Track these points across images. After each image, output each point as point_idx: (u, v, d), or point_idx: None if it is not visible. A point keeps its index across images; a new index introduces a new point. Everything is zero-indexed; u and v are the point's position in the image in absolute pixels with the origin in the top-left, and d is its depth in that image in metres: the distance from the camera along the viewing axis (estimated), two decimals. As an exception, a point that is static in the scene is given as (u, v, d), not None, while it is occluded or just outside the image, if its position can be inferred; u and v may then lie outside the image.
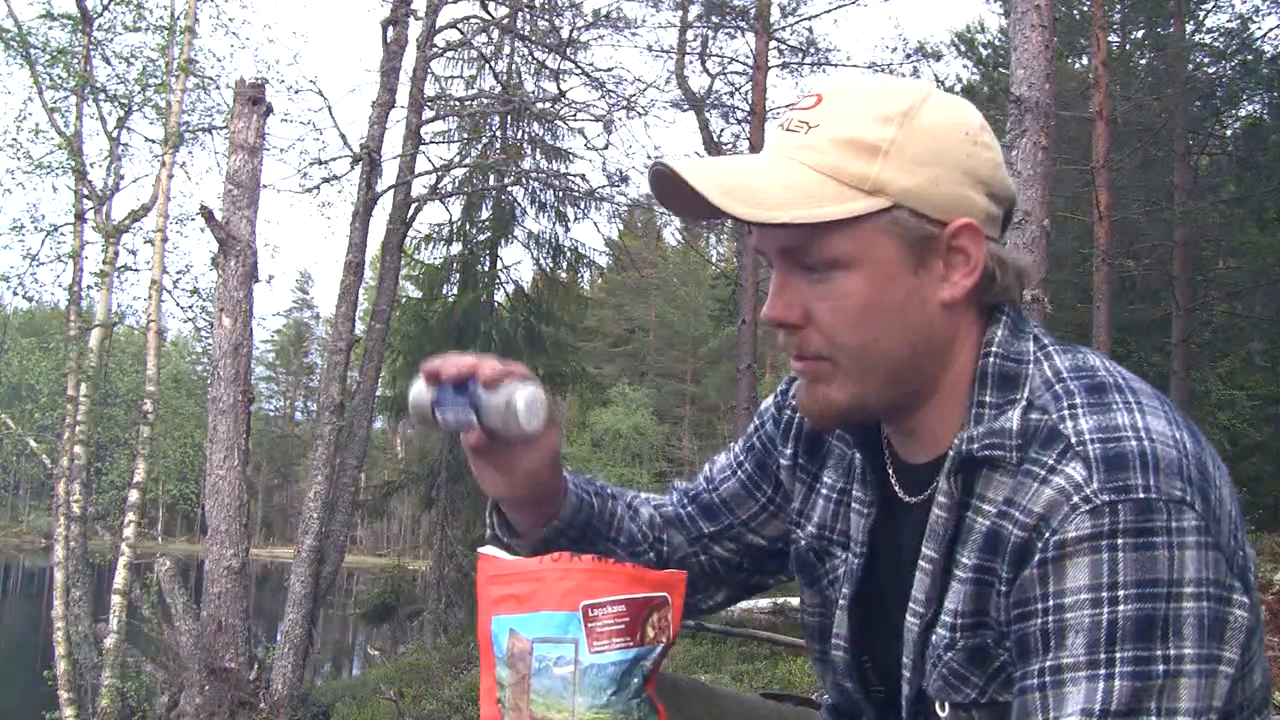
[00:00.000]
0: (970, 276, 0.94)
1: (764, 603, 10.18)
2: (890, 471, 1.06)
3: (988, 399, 0.95)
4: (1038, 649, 0.86)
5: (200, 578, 8.43)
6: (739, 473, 1.24)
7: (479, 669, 0.95)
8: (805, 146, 0.94)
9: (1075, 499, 0.85)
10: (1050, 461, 0.88)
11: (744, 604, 9.85)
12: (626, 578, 0.94)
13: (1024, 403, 0.93)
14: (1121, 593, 0.82)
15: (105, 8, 12.45)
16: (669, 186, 0.95)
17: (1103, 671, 0.82)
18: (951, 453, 0.95)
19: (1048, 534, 0.85)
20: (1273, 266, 15.19)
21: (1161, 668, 0.82)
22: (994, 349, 0.96)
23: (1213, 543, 0.84)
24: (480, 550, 1.01)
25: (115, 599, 10.85)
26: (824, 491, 1.14)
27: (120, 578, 10.93)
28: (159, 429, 12.10)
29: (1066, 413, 0.89)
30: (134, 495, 11.43)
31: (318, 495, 9.68)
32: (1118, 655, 0.82)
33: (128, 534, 11.20)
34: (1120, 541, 0.83)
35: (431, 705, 9.44)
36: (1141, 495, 0.83)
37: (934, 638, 0.96)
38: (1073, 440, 0.87)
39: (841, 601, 1.10)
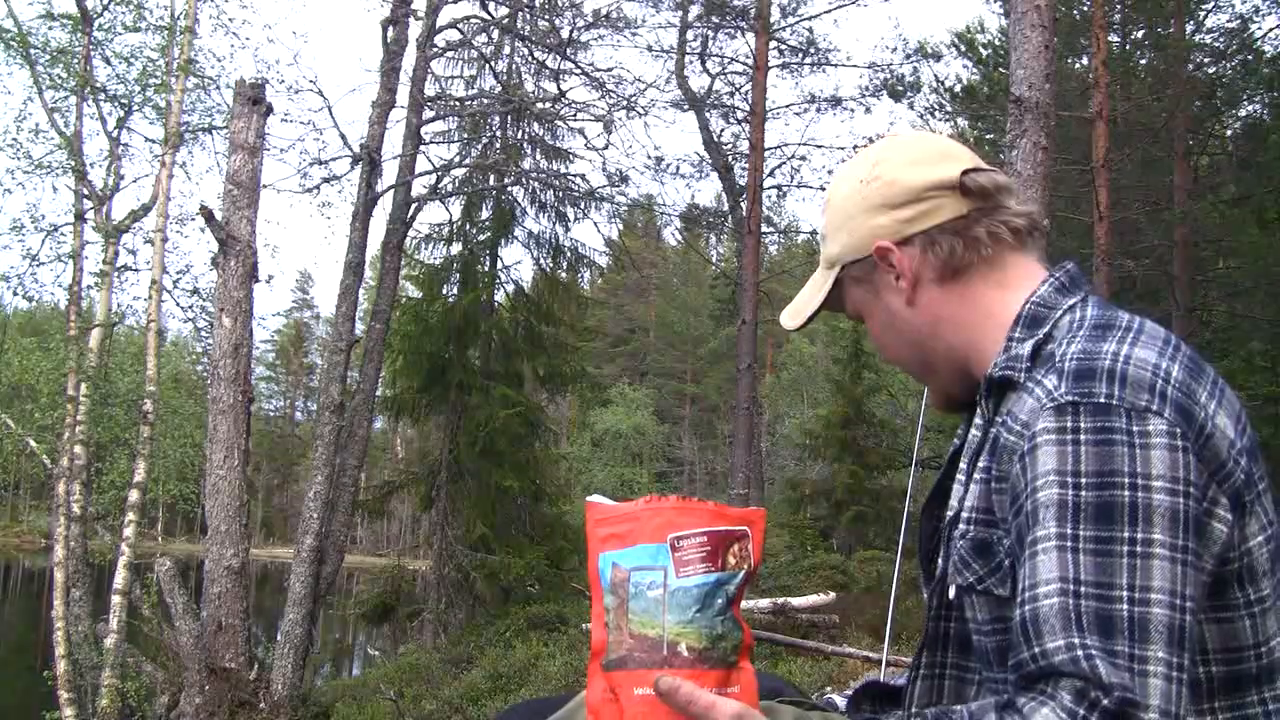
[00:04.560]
0: (904, 278, 1.17)
1: (764, 603, 10.18)
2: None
3: (1016, 335, 1.11)
4: (1028, 529, 0.95)
5: (200, 578, 8.42)
6: None
7: (589, 601, 1.12)
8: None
9: (1045, 401, 0.98)
10: (1039, 377, 1.02)
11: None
12: (709, 514, 1.07)
13: (1040, 336, 1.08)
14: (1084, 480, 0.92)
15: (105, 8, 12.44)
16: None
17: (1069, 545, 0.90)
18: (984, 377, 1.11)
19: (1028, 434, 0.98)
20: (1273, 266, 15.16)
21: (1126, 549, 0.89)
22: (1033, 299, 1.13)
23: (1189, 449, 0.92)
24: (588, 499, 1.13)
25: (115, 599, 10.83)
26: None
27: (120, 578, 10.91)
28: (159, 429, 12.09)
29: (1066, 339, 1.04)
30: (134, 495, 11.41)
31: (318, 495, 9.68)
32: (1081, 533, 0.90)
33: (128, 534, 11.19)
34: (1081, 437, 0.93)
35: (431, 705, 9.44)
36: (1102, 400, 0.94)
37: (955, 530, 1.09)
38: (1057, 359, 1.01)
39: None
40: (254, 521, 42.50)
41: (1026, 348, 1.07)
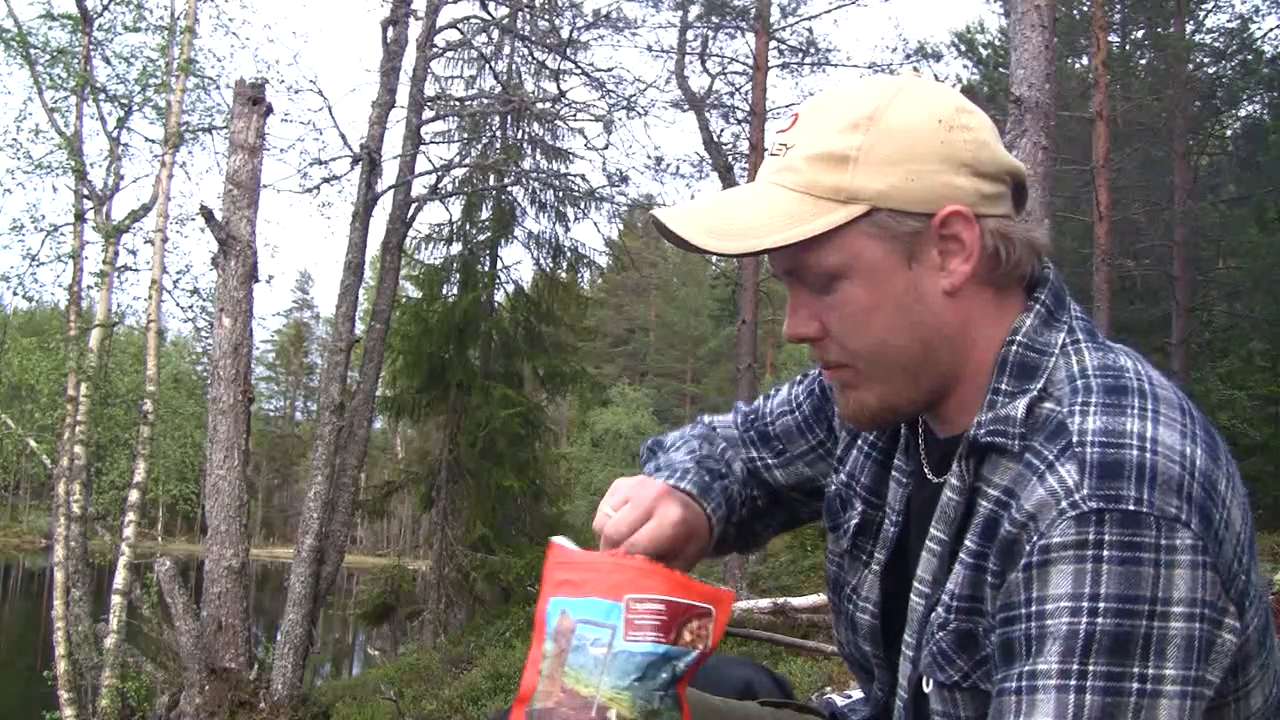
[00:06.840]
0: (967, 263, 0.94)
1: (764, 603, 10.18)
2: (922, 447, 1.06)
3: (1003, 387, 0.95)
4: (1021, 653, 0.85)
5: (200, 578, 8.43)
6: (795, 413, 1.26)
7: (530, 643, 1.04)
8: (785, 168, 0.96)
9: (1064, 503, 0.84)
10: (1050, 457, 0.87)
11: (744, 604, 9.84)
12: (672, 582, 1.01)
13: (1035, 393, 0.92)
14: (1102, 605, 0.81)
15: (105, 8, 12.44)
16: (667, 230, 0.99)
17: (1074, 683, 0.81)
18: (966, 437, 0.96)
19: (1035, 537, 0.85)
20: (1273, 266, 15.18)
21: (1136, 685, 0.80)
22: (1019, 338, 0.96)
23: (1209, 563, 0.82)
24: (552, 540, 1.09)
25: (115, 599, 10.83)
26: (862, 445, 1.15)
27: (120, 578, 10.91)
28: (159, 429, 12.08)
29: (1078, 408, 0.88)
30: (134, 495, 11.41)
31: (318, 495, 9.68)
32: (1090, 668, 0.81)
33: (128, 534, 11.19)
34: (1105, 554, 0.81)
35: (431, 705, 9.45)
36: (1131, 508, 0.82)
37: (932, 616, 0.96)
38: (1074, 439, 0.86)
39: (875, 567, 1.11)
40: (254, 521, 42.50)
41: (1019, 408, 0.92)
